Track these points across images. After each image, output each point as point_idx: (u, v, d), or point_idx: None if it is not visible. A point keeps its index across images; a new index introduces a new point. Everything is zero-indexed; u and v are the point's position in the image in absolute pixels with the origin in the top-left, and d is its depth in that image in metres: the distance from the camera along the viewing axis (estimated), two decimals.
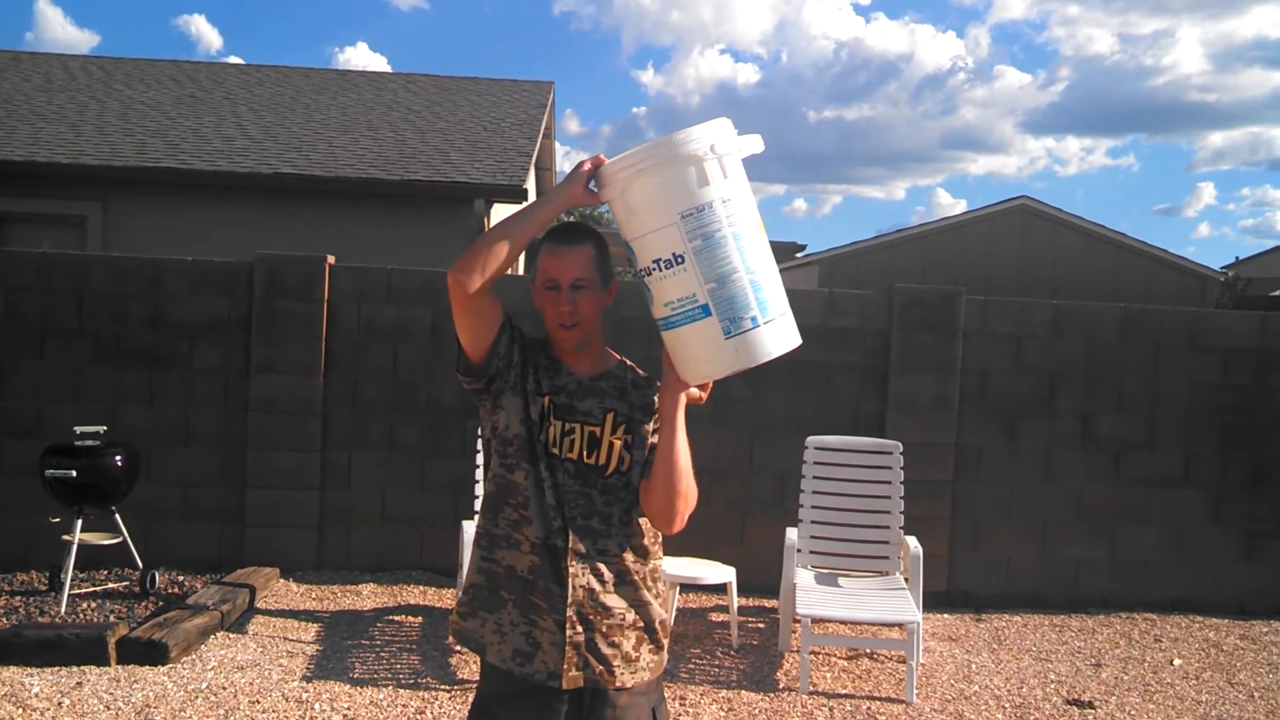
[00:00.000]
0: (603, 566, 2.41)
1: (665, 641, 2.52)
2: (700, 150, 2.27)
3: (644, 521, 2.48)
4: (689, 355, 2.34)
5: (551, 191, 2.42)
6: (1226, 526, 7.11)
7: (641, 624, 2.45)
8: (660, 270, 2.30)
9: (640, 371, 2.58)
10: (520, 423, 2.43)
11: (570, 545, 2.38)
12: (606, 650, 2.40)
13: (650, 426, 2.48)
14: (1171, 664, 5.96)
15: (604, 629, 2.40)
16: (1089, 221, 18.47)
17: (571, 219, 10.55)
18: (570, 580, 2.37)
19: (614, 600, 2.41)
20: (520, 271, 9.65)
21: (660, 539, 2.54)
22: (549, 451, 2.42)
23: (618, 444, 2.46)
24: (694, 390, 2.43)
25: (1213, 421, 7.10)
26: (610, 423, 2.46)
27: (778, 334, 2.34)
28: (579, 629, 2.38)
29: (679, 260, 2.28)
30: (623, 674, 2.41)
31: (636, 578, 2.45)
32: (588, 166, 2.37)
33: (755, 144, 2.38)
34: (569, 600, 2.37)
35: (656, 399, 2.48)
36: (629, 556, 2.44)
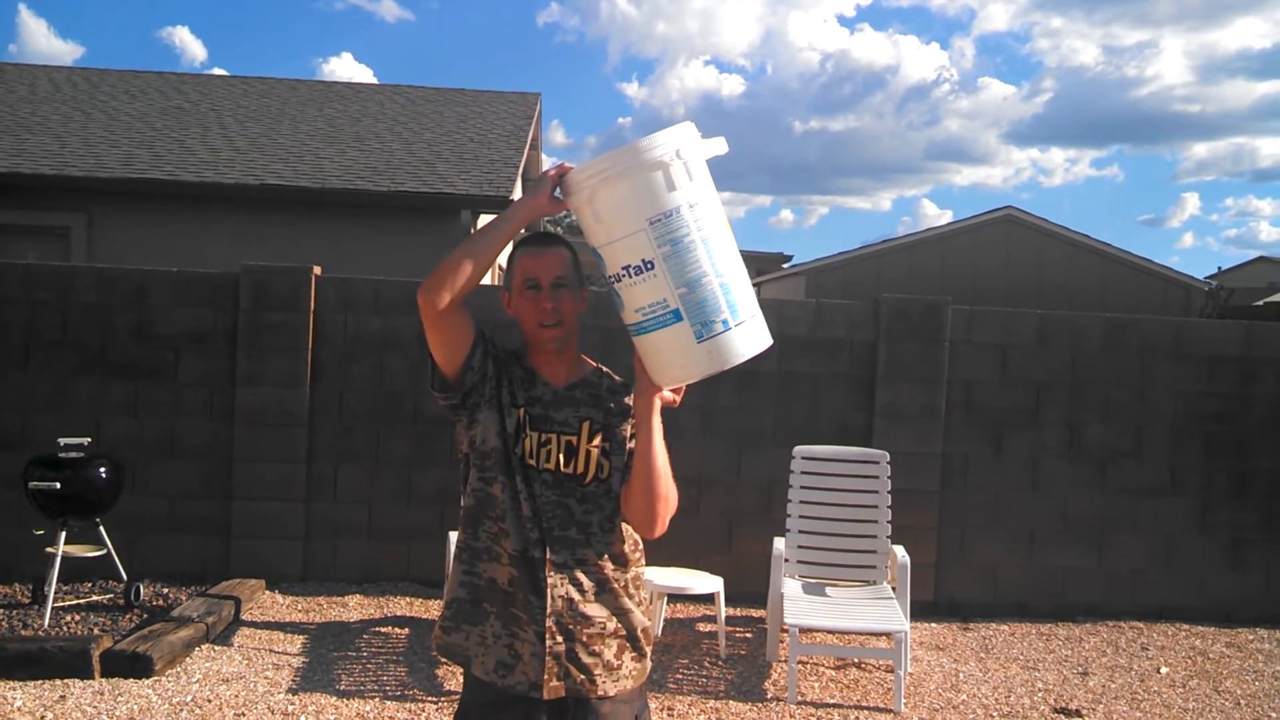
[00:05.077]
0: (582, 576, 2.41)
1: (648, 649, 2.52)
2: (665, 156, 2.25)
3: (626, 529, 2.48)
4: (662, 360, 2.34)
5: (516, 204, 2.40)
6: (1212, 535, 7.12)
7: (624, 632, 2.45)
8: (630, 276, 2.30)
9: (616, 377, 2.58)
10: (497, 435, 2.43)
11: (548, 556, 2.38)
12: (587, 659, 2.39)
13: (628, 430, 2.49)
14: (1159, 672, 5.97)
15: (584, 638, 2.39)
16: (1074, 232, 18.54)
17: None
18: (549, 591, 2.37)
19: (594, 609, 2.41)
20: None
21: (641, 546, 2.54)
22: (525, 463, 2.42)
23: (595, 452, 2.45)
24: (667, 394, 2.44)
25: (1198, 430, 7.12)
26: (587, 431, 2.46)
27: (749, 336, 2.34)
28: (559, 639, 2.37)
29: (648, 266, 2.27)
30: (604, 682, 2.41)
31: (617, 585, 2.45)
32: (552, 175, 2.37)
33: (719, 146, 2.37)
34: (548, 611, 2.37)
35: (631, 402, 2.48)
36: (609, 565, 2.44)
